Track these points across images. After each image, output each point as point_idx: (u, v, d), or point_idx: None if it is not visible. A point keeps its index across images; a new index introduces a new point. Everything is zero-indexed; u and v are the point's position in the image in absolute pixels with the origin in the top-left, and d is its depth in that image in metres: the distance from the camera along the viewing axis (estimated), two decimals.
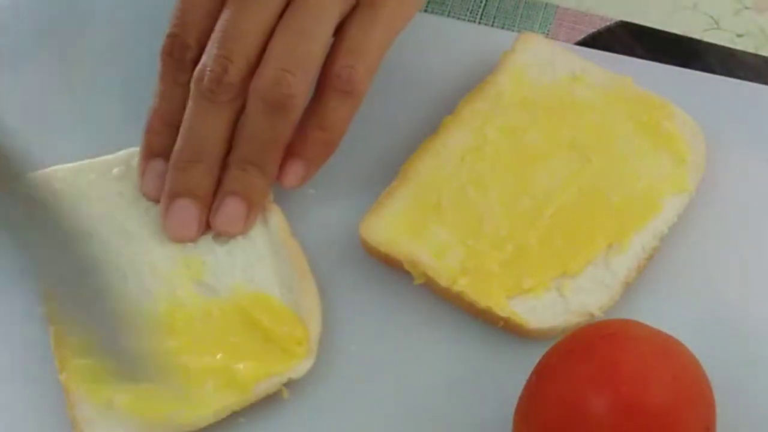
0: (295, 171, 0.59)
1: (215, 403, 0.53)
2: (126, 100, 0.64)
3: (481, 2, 0.68)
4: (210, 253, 0.57)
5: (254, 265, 0.57)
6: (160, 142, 0.59)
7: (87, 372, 0.54)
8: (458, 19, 0.67)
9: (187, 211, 0.58)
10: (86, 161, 0.60)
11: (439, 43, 0.66)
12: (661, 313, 0.56)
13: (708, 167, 0.60)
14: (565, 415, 0.48)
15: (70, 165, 0.60)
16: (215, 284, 0.56)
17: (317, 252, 0.58)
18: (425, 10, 0.67)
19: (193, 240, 0.58)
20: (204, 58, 0.57)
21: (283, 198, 0.59)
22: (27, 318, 0.57)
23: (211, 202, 0.58)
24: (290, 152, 0.58)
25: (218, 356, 0.54)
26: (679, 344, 0.50)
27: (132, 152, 0.60)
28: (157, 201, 0.59)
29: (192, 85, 0.57)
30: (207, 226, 0.58)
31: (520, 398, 0.51)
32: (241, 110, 0.58)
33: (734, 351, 0.56)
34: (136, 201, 0.59)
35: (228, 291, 0.56)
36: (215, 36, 0.57)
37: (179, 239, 0.58)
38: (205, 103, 0.57)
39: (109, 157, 0.60)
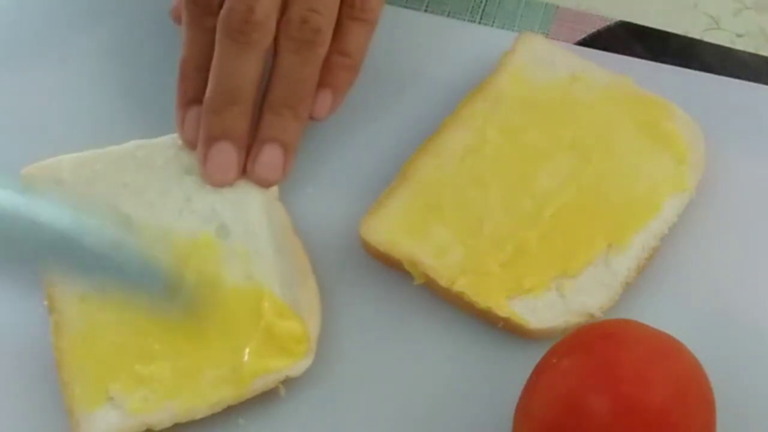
0: (323, 101, 0.60)
1: (212, 395, 0.53)
2: (127, 98, 0.64)
3: (481, 2, 0.68)
4: (211, 248, 0.57)
5: (255, 262, 0.57)
6: (195, 88, 0.60)
7: (85, 366, 0.54)
8: (458, 19, 0.67)
9: (227, 154, 0.58)
10: (92, 151, 0.60)
11: (439, 43, 0.66)
12: (661, 313, 0.56)
13: (708, 167, 0.60)
14: (565, 414, 0.48)
15: (75, 155, 0.60)
16: (216, 279, 0.56)
17: (317, 251, 0.58)
18: (425, 10, 0.67)
19: (232, 184, 0.58)
20: (228, 1, 0.57)
21: (283, 197, 0.59)
22: (27, 317, 0.57)
23: (247, 144, 0.59)
24: (318, 84, 0.59)
25: (217, 350, 0.54)
26: (679, 344, 0.50)
27: (138, 144, 0.60)
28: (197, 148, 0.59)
29: (219, 28, 0.58)
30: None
31: (521, 398, 0.51)
32: (269, 50, 0.58)
33: (734, 351, 0.56)
34: (140, 192, 0.59)
35: (228, 286, 0.56)
36: None
37: (219, 184, 0.58)
38: (234, 44, 0.58)
39: (115, 147, 0.60)
